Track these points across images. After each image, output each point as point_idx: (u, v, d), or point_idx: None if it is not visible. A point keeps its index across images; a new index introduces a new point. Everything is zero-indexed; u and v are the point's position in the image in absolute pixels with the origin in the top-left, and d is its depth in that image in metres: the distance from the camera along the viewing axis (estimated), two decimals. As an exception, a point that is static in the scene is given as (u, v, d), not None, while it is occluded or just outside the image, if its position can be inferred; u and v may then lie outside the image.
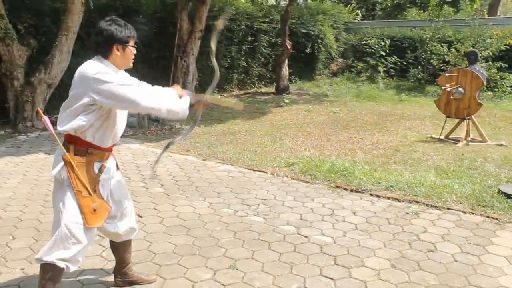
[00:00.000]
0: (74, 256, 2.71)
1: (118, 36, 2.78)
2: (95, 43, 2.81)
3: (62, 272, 2.74)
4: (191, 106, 3.00)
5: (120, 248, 3.18)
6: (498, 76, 14.28)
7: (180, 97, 2.95)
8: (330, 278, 3.39)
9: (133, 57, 2.90)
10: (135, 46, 2.90)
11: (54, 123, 2.71)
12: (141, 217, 4.58)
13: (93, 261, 3.61)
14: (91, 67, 2.68)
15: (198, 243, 3.99)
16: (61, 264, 2.68)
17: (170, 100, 2.83)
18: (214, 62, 3.24)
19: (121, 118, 2.89)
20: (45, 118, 2.76)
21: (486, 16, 20.22)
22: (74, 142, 2.73)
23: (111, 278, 3.30)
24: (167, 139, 8.38)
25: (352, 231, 4.26)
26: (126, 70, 2.98)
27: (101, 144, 2.78)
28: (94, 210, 2.72)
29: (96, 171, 2.77)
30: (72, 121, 2.67)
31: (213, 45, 3.28)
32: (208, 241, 4.02)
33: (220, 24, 3.30)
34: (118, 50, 2.79)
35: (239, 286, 3.28)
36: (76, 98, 2.66)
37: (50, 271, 2.69)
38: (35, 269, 3.17)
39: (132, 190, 5.39)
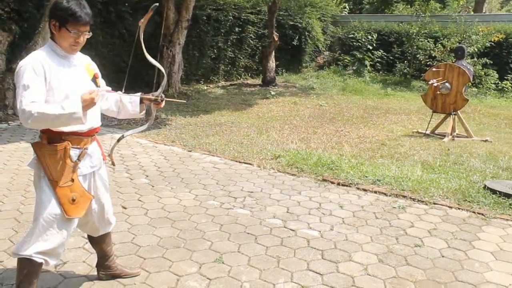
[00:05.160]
0: (54, 249, 2.60)
1: (56, 10, 2.47)
2: None
3: (41, 267, 2.63)
4: (141, 101, 2.89)
5: (99, 242, 3.07)
6: (483, 73, 14.41)
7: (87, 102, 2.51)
8: (317, 273, 3.35)
9: (76, 44, 2.57)
10: (76, 31, 2.50)
11: None
12: (125, 208, 4.49)
13: (75, 254, 3.51)
14: (26, 57, 2.50)
15: (183, 235, 3.92)
16: (39, 259, 2.57)
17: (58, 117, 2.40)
18: (153, 60, 2.97)
19: None
20: None
21: (472, 13, 20.35)
22: (46, 131, 2.56)
23: (94, 272, 3.21)
24: (152, 129, 8.27)
25: (339, 225, 4.23)
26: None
27: (74, 129, 2.59)
28: (73, 200, 2.58)
29: (74, 158, 2.61)
30: None
31: (141, 42, 2.87)
32: (194, 234, 3.95)
33: (144, 20, 2.93)
34: (55, 26, 2.50)
35: (225, 280, 3.22)
36: None
37: (27, 266, 2.58)
38: (15, 262, 3.06)
39: (116, 181, 5.30)
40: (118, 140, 2.97)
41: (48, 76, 2.47)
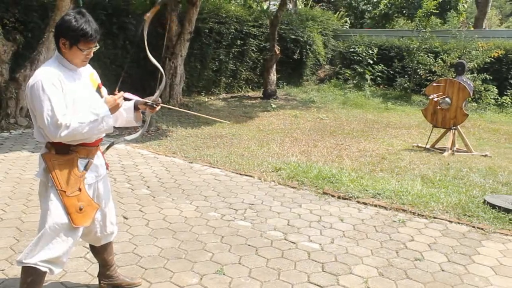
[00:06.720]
0: (58, 257, 2.62)
1: (67, 30, 2.50)
2: None
3: (44, 276, 2.65)
4: (136, 108, 2.87)
5: (101, 252, 3.09)
6: (483, 88, 14.47)
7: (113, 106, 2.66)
8: (318, 285, 3.36)
9: (86, 60, 2.65)
10: (87, 49, 2.59)
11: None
12: (126, 219, 4.51)
13: (77, 263, 3.53)
14: (37, 72, 2.52)
15: (185, 246, 3.94)
16: (43, 268, 2.59)
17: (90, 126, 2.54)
18: (154, 60, 2.93)
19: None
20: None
21: (472, 29, 20.49)
22: (55, 142, 2.58)
23: (95, 281, 3.23)
24: (153, 140, 8.30)
25: (339, 238, 4.25)
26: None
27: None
28: (80, 209, 2.62)
29: (81, 168, 2.67)
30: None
31: (145, 38, 2.90)
32: (195, 245, 3.97)
33: (150, 14, 2.90)
34: (64, 45, 2.55)
35: (226, 292, 3.23)
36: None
37: (31, 274, 2.59)
38: (17, 271, 3.08)
39: (118, 191, 5.32)
40: (108, 147, 3.00)
41: (64, 89, 2.53)
